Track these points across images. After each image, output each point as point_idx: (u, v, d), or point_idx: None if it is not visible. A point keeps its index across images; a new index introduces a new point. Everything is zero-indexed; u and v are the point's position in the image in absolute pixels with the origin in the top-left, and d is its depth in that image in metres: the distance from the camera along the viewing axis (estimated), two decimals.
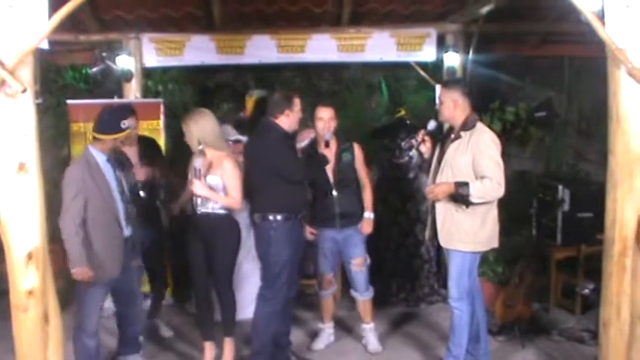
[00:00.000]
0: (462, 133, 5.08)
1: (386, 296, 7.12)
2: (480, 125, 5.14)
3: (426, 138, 5.37)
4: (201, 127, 5.42)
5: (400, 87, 8.98)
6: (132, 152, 5.78)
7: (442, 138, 5.38)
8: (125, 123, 5.00)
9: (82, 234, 4.78)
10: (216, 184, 5.39)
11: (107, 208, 4.97)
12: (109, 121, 5.04)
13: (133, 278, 5.35)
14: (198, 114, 5.55)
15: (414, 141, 5.45)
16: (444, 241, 5.22)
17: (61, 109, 7.73)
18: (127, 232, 5.15)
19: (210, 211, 5.48)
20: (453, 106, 5.14)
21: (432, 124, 5.43)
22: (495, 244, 5.23)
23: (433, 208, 5.27)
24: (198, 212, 5.52)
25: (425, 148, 5.39)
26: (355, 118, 8.17)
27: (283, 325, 5.82)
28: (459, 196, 4.96)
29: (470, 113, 5.17)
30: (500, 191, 5.00)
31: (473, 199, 4.93)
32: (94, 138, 5.08)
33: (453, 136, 5.19)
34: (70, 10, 3.52)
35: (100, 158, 5.02)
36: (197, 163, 5.34)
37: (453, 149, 5.11)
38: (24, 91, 3.45)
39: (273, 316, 5.57)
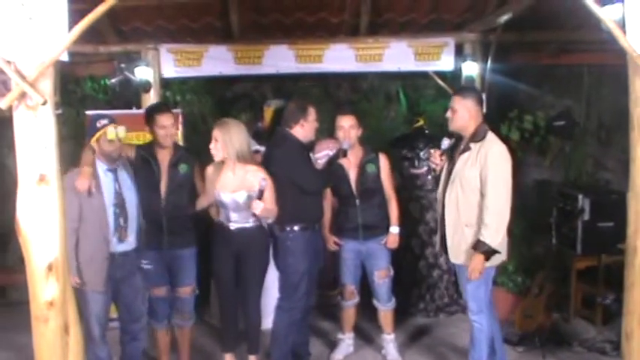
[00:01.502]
0: (472, 145, 4.97)
1: (405, 306, 7.09)
2: (490, 136, 5.00)
3: (443, 158, 5.28)
4: (240, 138, 5.38)
5: (418, 96, 8.96)
6: (163, 155, 5.60)
7: (451, 149, 5.28)
8: (101, 122, 4.94)
9: (73, 240, 4.74)
10: (250, 195, 5.32)
11: (96, 219, 4.92)
12: (91, 126, 5.03)
13: (136, 295, 5.31)
14: (237, 125, 5.48)
15: (434, 165, 5.35)
16: (454, 257, 5.14)
17: (80, 120, 7.76)
18: (123, 246, 5.10)
19: (247, 225, 5.45)
20: (468, 116, 5.03)
21: (445, 143, 5.31)
22: (504, 257, 5.14)
23: (443, 224, 5.18)
24: (233, 227, 5.46)
25: (439, 167, 5.32)
26: (374, 128, 8.16)
27: (302, 336, 5.83)
28: (489, 254, 4.86)
29: (480, 123, 5.06)
30: (505, 214, 4.86)
31: (495, 243, 4.83)
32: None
33: (462, 147, 5.08)
34: (90, 22, 3.54)
35: (101, 168, 5.01)
36: (262, 183, 5.24)
37: (462, 162, 5.00)
38: (44, 103, 3.47)
39: (291, 327, 5.58)
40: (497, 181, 4.81)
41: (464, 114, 5.03)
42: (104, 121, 4.95)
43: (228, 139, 5.34)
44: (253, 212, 5.28)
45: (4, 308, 7.93)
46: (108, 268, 4.98)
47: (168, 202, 5.54)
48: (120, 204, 5.05)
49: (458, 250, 5.06)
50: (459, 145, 5.16)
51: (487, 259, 4.88)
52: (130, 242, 5.15)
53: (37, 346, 3.76)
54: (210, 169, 5.55)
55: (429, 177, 7.11)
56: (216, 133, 5.36)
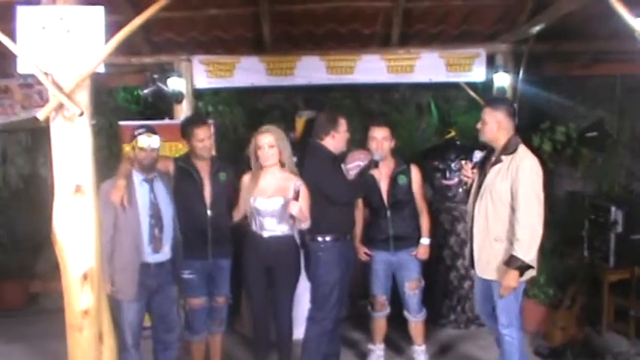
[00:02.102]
0: (503, 157, 4.89)
1: (436, 318, 7.07)
2: (521, 149, 4.90)
3: (474, 171, 5.21)
4: (286, 145, 5.47)
5: (449, 107, 8.93)
6: (202, 166, 5.62)
7: (482, 161, 5.19)
8: (137, 130, 5.03)
9: (108, 249, 4.79)
10: (286, 201, 5.35)
11: (129, 229, 4.95)
12: (129, 136, 5.16)
13: (171, 305, 5.33)
14: (282, 132, 5.55)
15: (466, 179, 5.28)
16: (482, 272, 5.05)
17: (113, 131, 7.84)
18: (158, 257, 5.12)
19: (280, 233, 5.46)
20: (496, 127, 4.94)
21: (477, 156, 5.22)
22: (533, 272, 5.03)
23: (471, 237, 5.12)
24: (266, 235, 5.46)
25: (470, 180, 5.24)
26: (405, 139, 8.15)
27: (333, 346, 5.82)
28: (522, 269, 4.78)
29: (512, 135, 4.96)
30: (537, 228, 4.76)
31: (528, 258, 4.74)
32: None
33: (493, 159, 5.01)
34: (126, 35, 3.60)
35: (137, 178, 5.06)
36: (297, 183, 5.30)
37: (492, 175, 4.92)
38: (81, 114, 3.53)
39: (323, 338, 5.56)
40: (529, 195, 4.73)
41: (493, 126, 4.95)
42: (140, 130, 5.03)
43: (283, 146, 5.44)
44: (290, 217, 5.31)
45: (38, 316, 8.00)
46: (141, 278, 4.99)
47: (213, 212, 5.55)
48: (155, 214, 5.08)
49: (486, 264, 4.99)
50: (490, 157, 5.09)
51: (521, 274, 4.80)
52: (165, 253, 5.17)
53: (72, 355, 3.81)
54: (246, 178, 5.56)
55: (461, 189, 7.08)
56: (271, 138, 5.40)
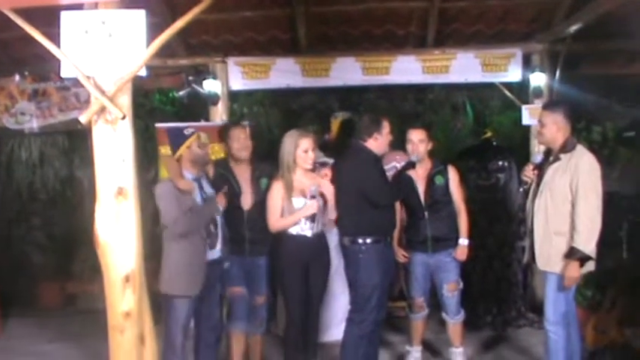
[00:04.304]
0: (562, 156, 4.98)
1: (472, 319, 7.01)
2: (579, 147, 5.03)
3: (535, 172, 5.23)
4: None
5: (485, 107, 8.90)
6: (240, 170, 5.66)
7: (541, 161, 5.27)
8: (189, 130, 5.08)
9: (174, 246, 4.93)
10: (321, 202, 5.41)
11: (194, 225, 4.98)
12: (174, 138, 5.18)
13: (217, 303, 5.37)
14: None
15: (527, 179, 5.29)
16: (541, 264, 5.11)
17: (149, 133, 7.88)
18: (212, 254, 5.15)
19: (320, 231, 5.48)
20: (555, 128, 5.04)
21: (538, 158, 5.35)
22: (591, 267, 5.08)
23: (532, 231, 5.16)
24: (309, 235, 5.43)
25: (529, 180, 5.27)
26: (440, 140, 8.13)
27: (372, 348, 5.78)
28: (584, 260, 4.88)
29: (569, 135, 5.06)
30: (596, 220, 4.85)
31: (588, 249, 4.85)
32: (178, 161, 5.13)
33: (551, 158, 5.09)
34: (167, 38, 3.63)
35: (186, 177, 5.09)
36: (312, 189, 5.35)
37: (551, 172, 5.01)
38: (123, 117, 3.55)
39: (362, 340, 5.51)
40: (588, 189, 4.84)
41: (552, 127, 5.07)
42: (191, 129, 5.10)
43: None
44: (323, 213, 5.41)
45: (75, 316, 8.07)
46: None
47: (251, 216, 5.57)
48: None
49: (547, 257, 5.04)
50: (548, 157, 5.19)
51: (581, 265, 4.90)
52: (218, 250, 5.23)
53: (114, 356, 3.84)
54: (278, 186, 5.44)
55: (499, 188, 7.06)
56: (312, 143, 5.45)
